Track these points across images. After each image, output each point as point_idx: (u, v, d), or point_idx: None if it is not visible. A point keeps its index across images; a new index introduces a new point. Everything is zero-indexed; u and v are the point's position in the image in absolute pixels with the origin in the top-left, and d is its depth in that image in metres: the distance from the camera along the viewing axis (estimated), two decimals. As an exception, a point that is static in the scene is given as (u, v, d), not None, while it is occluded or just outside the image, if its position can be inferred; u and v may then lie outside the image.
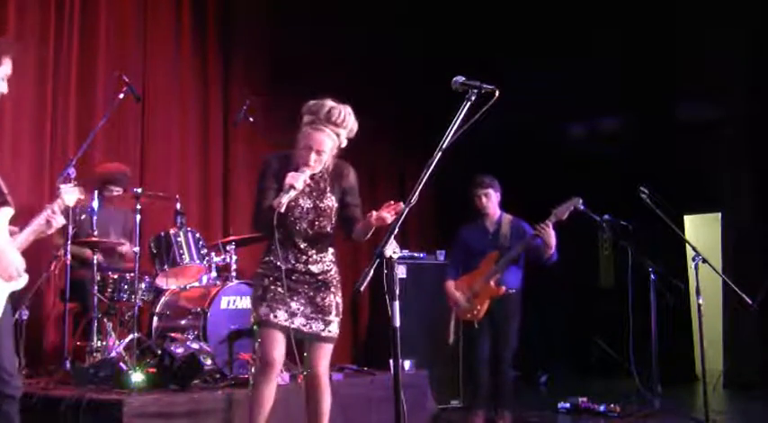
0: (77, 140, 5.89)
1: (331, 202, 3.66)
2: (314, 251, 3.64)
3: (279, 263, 3.56)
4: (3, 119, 5.75)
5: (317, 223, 3.63)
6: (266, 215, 3.55)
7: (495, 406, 5.30)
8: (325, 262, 3.67)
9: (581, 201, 5.13)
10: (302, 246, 3.62)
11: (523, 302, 5.35)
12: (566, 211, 5.10)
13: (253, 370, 3.71)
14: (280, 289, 3.56)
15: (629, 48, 8.32)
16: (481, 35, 8.48)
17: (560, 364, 8.74)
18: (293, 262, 3.60)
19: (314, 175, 3.65)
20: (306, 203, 3.62)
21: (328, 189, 3.68)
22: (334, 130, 3.59)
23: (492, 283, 5.20)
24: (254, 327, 3.67)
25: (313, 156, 3.57)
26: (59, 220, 3.40)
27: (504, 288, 5.20)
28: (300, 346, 3.68)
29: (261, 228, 3.62)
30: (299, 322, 3.58)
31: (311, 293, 3.61)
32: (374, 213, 3.47)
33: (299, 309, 3.58)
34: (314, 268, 3.63)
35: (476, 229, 5.47)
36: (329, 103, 3.60)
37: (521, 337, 5.33)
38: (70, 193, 3.51)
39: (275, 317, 3.54)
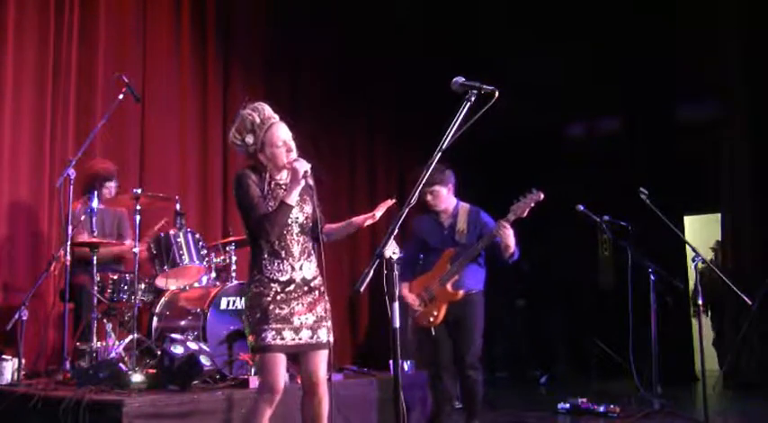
0: (77, 141, 5.90)
1: (310, 205, 3.57)
2: (305, 256, 3.53)
3: (275, 275, 3.45)
4: (3, 119, 5.76)
5: (305, 227, 3.54)
6: (284, 214, 3.41)
7: (465, 413, 4.92)
8: (313, 266, 3.57)
9: (542, 195, 4.52)
10: (296, 252, 3.50)
11: (487, 304, 4.87)
12: (525, 208, 4.53)
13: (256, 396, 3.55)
14: (282, 305, 3.42)
15: (629, 47, 8.32)
16: (481, 35, 8.48)
17: (560, 364, 8.74)
18: (290, 271, 3.47)
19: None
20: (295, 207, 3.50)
21: (309, 191, 3.54)
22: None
23: (449, 286, 4.70)
24: (256, 353, 3.44)
25: (293, 152, 3.47)
26: None
27: (461, 292, 4.71)
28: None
29: (278, 230, 3.43)
30: (305, 336, 3.45)
31: (309, 302, 3.49)
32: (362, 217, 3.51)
33: (302, 323, 3.45)
34: (307, 274, 3.51)
35: (430, 221, 4.95)
36: (258, 104, 3.53)
37: (522, 337, 5.29)
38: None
39: (282, 339, 3.39)
